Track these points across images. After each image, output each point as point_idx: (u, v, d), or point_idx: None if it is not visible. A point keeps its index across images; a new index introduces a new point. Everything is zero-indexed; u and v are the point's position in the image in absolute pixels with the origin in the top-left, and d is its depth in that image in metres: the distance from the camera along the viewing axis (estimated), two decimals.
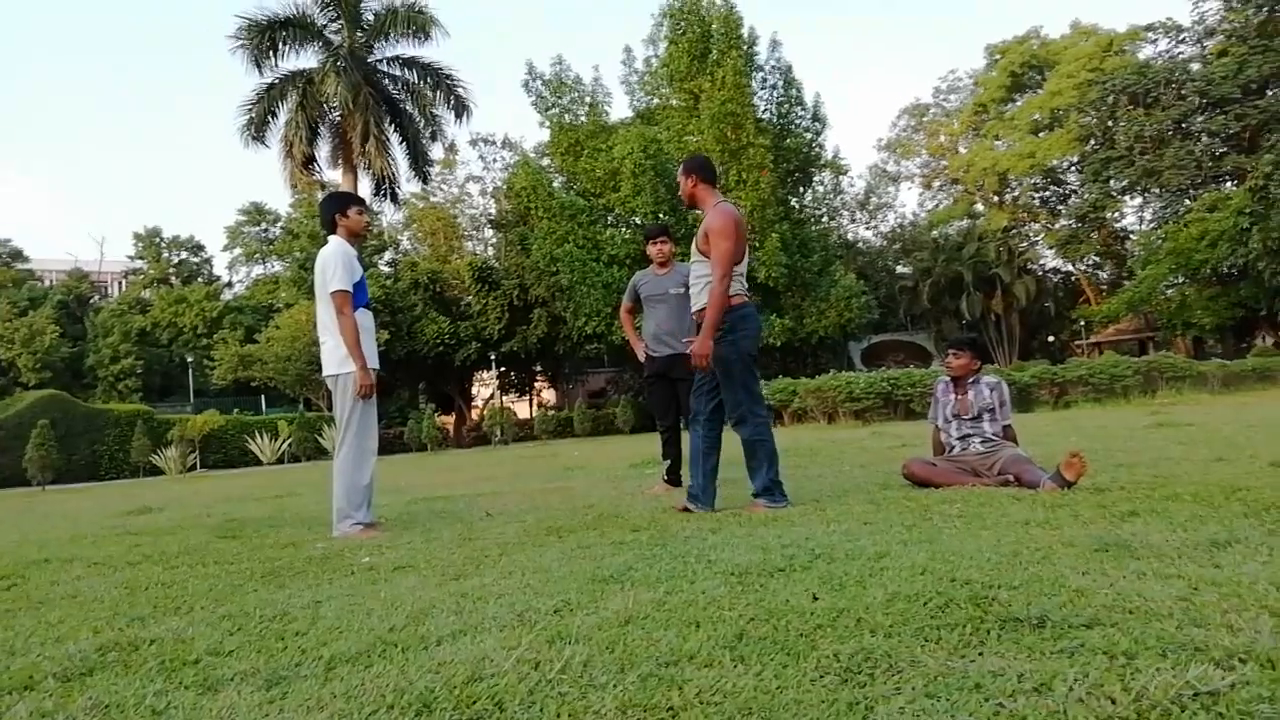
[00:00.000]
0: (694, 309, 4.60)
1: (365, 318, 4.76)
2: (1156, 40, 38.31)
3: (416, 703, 1.67)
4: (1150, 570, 2.34)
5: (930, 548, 2.86)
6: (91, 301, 45.65)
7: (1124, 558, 2.53)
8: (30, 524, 7.56)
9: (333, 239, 4.79)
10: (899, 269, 48.32)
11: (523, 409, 41.82)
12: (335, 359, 4.71)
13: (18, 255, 46.90)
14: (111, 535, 5.55)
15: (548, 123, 31.66)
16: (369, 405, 4.73)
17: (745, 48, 29.67)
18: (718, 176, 4.71)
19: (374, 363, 4.73)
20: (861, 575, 2.50)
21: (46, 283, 47.15)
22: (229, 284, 49.24)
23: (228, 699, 1.81)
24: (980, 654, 1.74)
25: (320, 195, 35.91)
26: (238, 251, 49.54)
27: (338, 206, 4.86)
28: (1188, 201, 34.11)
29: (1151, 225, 38.28)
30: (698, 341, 4.33)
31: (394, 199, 29.23)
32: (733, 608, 2.24)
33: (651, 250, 6.22)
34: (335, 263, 4.62)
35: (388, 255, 40.64)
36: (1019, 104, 45.73)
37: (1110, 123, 36.88)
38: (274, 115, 26.52)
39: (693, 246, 4.53)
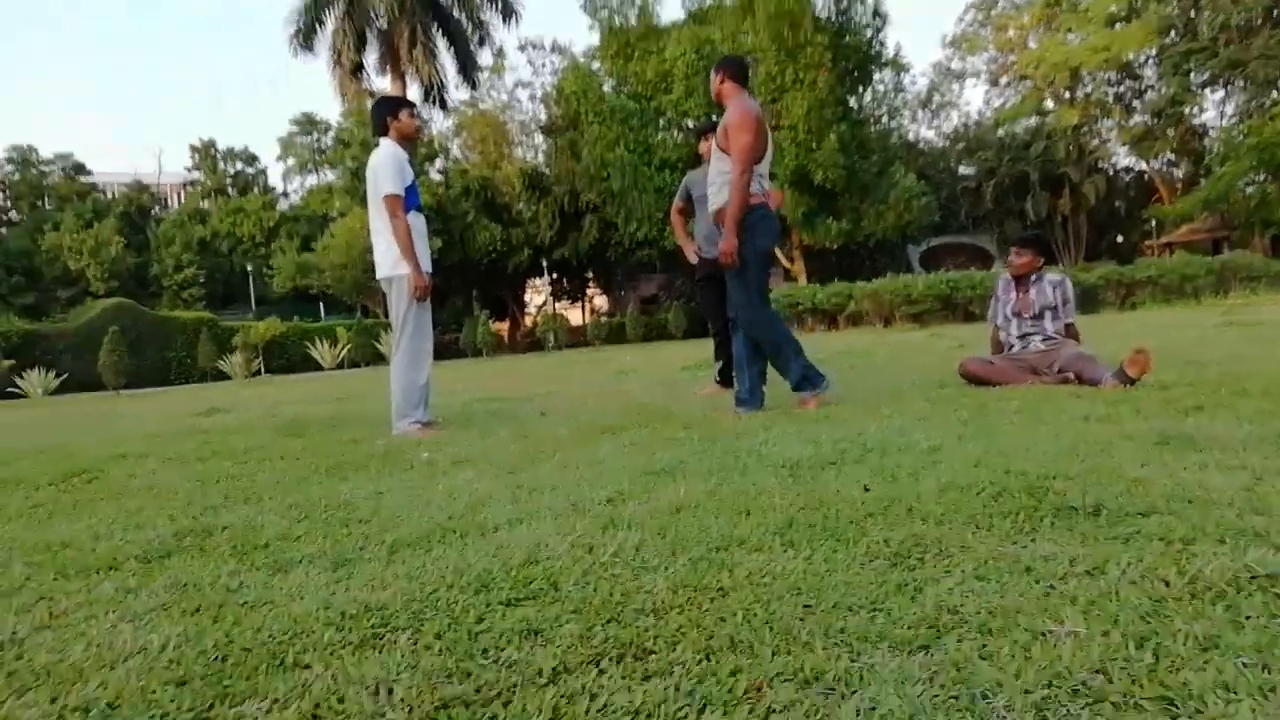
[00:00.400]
0: (712, 207, 4.49)
1: (417, 220, 4.76)
2: None
3: (475, 582, 1.73)
4: (1213, 462, 2.30)
5: (985, 442, 2.84)
6: (153, 212, 46.50)
7: (1186, 450, 2.48)
8: (108, 424, 7.89)
9: (384, 142, 4.78)
10: (961, 169, 46.70)
11: (575, 315, 42.00)
12: (388, 262, 4.74)
13: (80, 169, 47.71)
14: (183, 434, 5.77)
15: (597, 25, 30.84)
16: (423, 307, 4.77)
17: None
18: (748, 79, 4.53)
19: (426, 266, 4.76)
20: (914, 467, 2.49)
21: (109, 195, 48.04)
22: (284, 194, 49.68)
23: (297, 579, 1.89)
24: (1033, 540, 1.74)
25: (370, 103, 35.86)
26: (291, 162, 49.76)
27: (389, 109, 4.83)
28: (1275, 94, 32.23)
29: (1233, 120, 36.30)
30: (724, 239, 4.27)
31: (443, 106, 29.05)
32: (783, 497, 2.26)
33: (703, 148, 6.08)
34: (386, 166, 4.62)
35: (438, 163, 40.48)
36: None
37: (1193, 12, 34.72)
38: (321, 24, 26.31)
39: (713, 143, 4.43)
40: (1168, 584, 1.42)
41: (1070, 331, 4.80)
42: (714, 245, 5.95)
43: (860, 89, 32.77)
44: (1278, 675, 1.09)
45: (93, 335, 23.94)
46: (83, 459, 4.44)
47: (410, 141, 4.88)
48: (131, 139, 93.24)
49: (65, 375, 21.74)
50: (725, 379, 6.04)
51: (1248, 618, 1.27)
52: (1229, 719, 1.00)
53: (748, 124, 4.17)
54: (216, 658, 1.42)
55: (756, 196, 4.27)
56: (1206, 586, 1.39)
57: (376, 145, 4.85)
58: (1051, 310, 4.76)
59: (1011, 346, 4.87)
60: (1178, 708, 1.04)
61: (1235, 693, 1.06)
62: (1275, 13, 31.98)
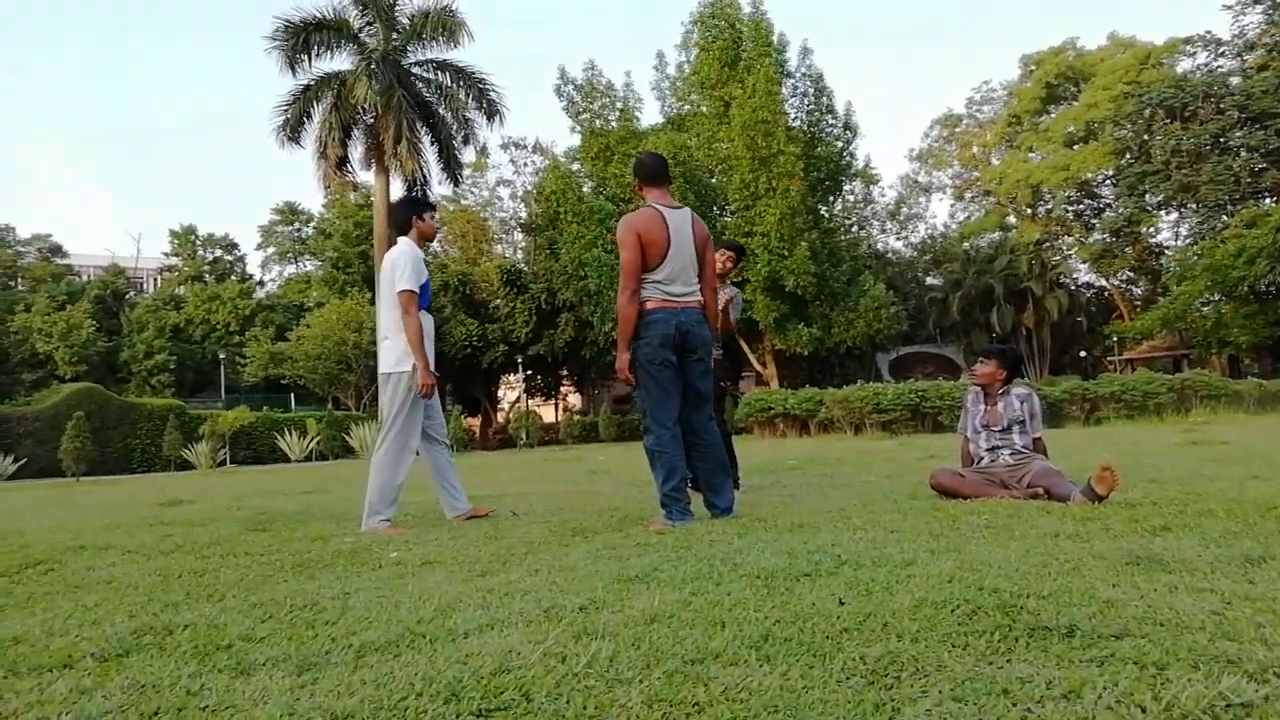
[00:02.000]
0: None
1: (427, 320, 4.87)
2: (1195, 53, 37.78)
3: (445, 691, 1.69)
4: (1183, 584, 2.32)
5: (958, 556, 2.85)
6: (128, 297, 46.42)
7: (1156, 571, 2.50)
8: (66, 513, 7.69)
9: (403, 240, 4.90)
10: (929, 280, 47.96)
11: (548, 413, 41.98)
12: (393, 357, 4.81)
13: (57, 250, 47.78)
14: (145, 525, 5.63)
15: (579, 127, 31.81)
16: (416, 405, 4.81)
17: (776, 55, 29.64)
18: (658, 176, 4.49)
19: (431, 365, 4.83)
20: (888, 581, 2.49)
21: (84, 278, 47.98)
22: (261, 282, 49.87)
23: (260, 682, 1.84)
24: (1008, 660, 1.73)
25: (352, 196, 36.45)
26: (271, 250, 50.21)
27: (414, 210, 5.00)
28: (1225, 218, 33.62)
29: (1188, 241, 37.74)
30: (618, 356, 4.41)
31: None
32: (758, 609, 2.25)
33: (720, 258, 6.23)
34: (405, 263, 4.73)
35: None
36: (1054, 116, 45.32)
37: (1146, 136, 36.46)
38: (309, 116, 26.86)
39: (697, 252, 4.46)
40: (1144, 710, 1.42)
41: (1038, 445, 4.87)
42: None
43: (831, 199, 33.86)
44: None
45: (56, 419, 23.55)
46: (39, 549, 4.33)
47: (428, 242, 5.02)
48: (112, 222, 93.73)
49: (24, 460, 21.25)
50: (696, 484, 6.03)
51: None
52: None
53: (624, 241, 4.25)
54: None
55: (653, 300, 4.26)
56: (1182, 715, 1.40)
57: (395, 243, 4.96)
58: (1020, 424, 4.84)
59: (981, 459, 4.92)
60: None
61: None
62: (1221, 140, 33.60)
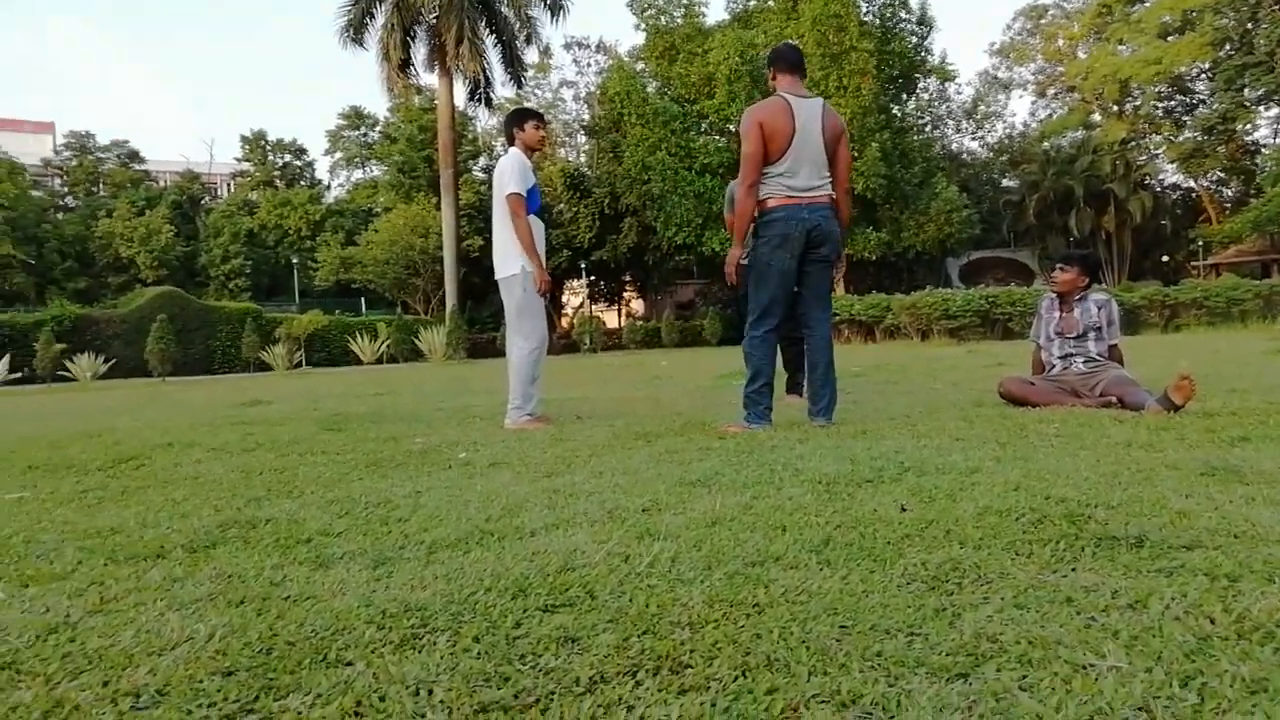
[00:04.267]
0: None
1: (537, 224, 4.99)
2: None
3: (513, 587, 1.75)
4: (1259, 495, 2.26)
5: (1024, 465, 2.81)
6: (203, 202, 47.40)
7: (1231, 482, 2.44)
8: (153, 411, 8.06)
9: (511, 150, 5.06)
10: (1005, 182, 46.21)
11: (611, 318, 42.13)
12: (506, 261, 4.98)
13: (134, 156, 48.76)
14: (227, 424, 5.87)
15: (643, 25, 30.95)
16: (537, 304, 4.99)
17: None
18: (792, 65, 4.23)
19: (544, 264, 4.99)
20: (952, 489, 2.48)
21: (161, 183, 49.04)
22: (329, 187, 50.40)
23: (338, 575, 1.93)
24: (1073, 570, 1.72)
25: (416, 100, 36.27)
26: (338, 155, 50.52)
27: (516, 121, 5.11)
28: None
29: None
30: (729, 252, 4.37)
31: (488, 103, 29.27)
32: (819, 514, 2.26)
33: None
34: (511, 169, 4.89)
35: (481, 161, 40.87)
36: (1148, 4, 42.36)
37: (1250, 25, 34.08)
38: (371, 17, 26.62)
39: (827, 144, 4.24)
40: (1213, 621, 1.40)
41: (1114, 353, 4.73)
42: None
43: (904, 97, 32.64)
44: None
45: (141, 322, 24.46)
46: (130, 446, 4.55)
47: (534, 151, 5.11)
48: (186, 128, 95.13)
49: (113, 361, 22.21)
50: (796, 387, 6.02)
51: None
52: None
53: (745, 133, 4.13)
54: (261, 650, 1.46)
55: (775, 198, 4.14)
56: (1254, 626, 1.37)
57: (505, 153, 5.12)
58: (1096, 331, 4.70)
59: (1053, 367, 4.81)
60: None
61: None
62: None
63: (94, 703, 1.28)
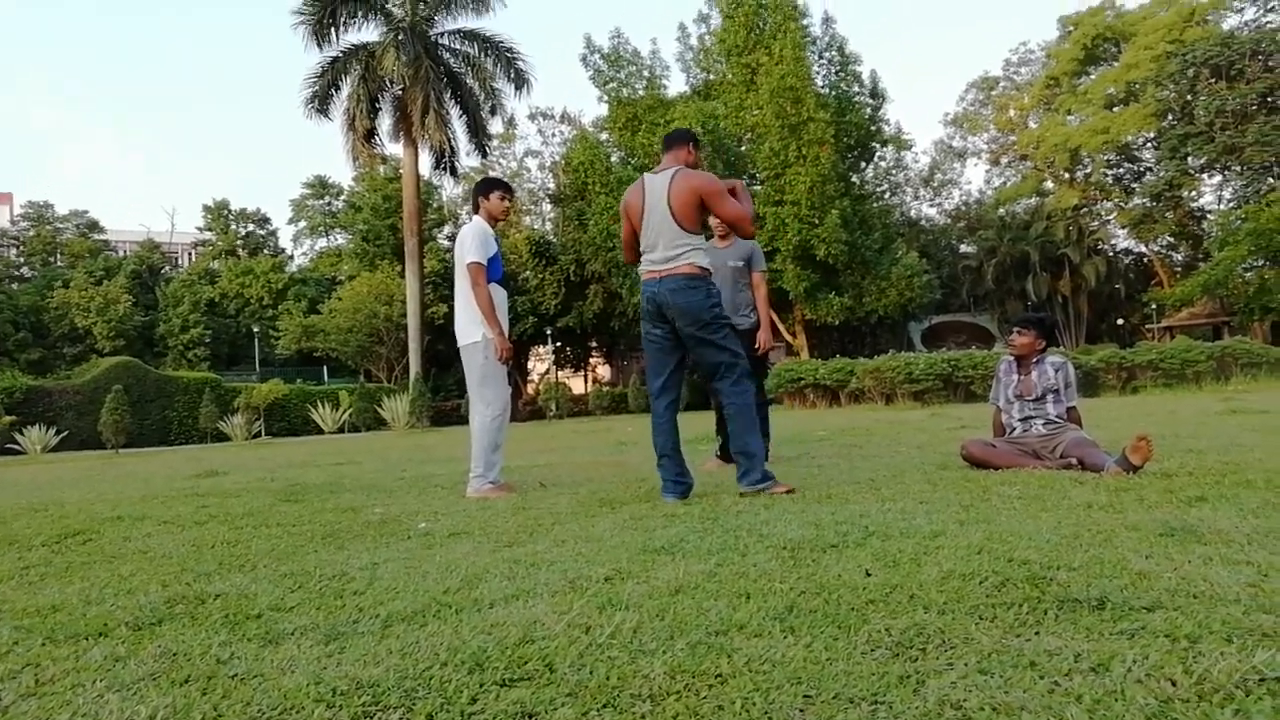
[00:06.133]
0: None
1: (498, 292, 5.03)
2: (1243, 9, 36.70)
3: (470, 660, 1.70)
4: (1217, 555, 2.27)
5: (987, 528, 2.82)
6: (163, 272, 47.01)
7: (1190, 543, 2.46)
8: (104, 484, 7.85)
9: (474, 218, 5.14)
10: (963, 248, 47.26)
11: (578, 384, 42.09)
12: (467, 328, 5.00)
13: (94, 226, 48.41)
14: (180, 496, 5.74)
15: (606, 97, 31.56)
16: (498, 371, 5.00)
17: (800, 20, 29.12)
18: (671, 144, 4.31)
19: (505, 331, 5.02)
20: (916, 553, 2.47)
21: (121, 253, 48.67)
22: (293, 256, 50.30)
23: (288, 651, 1.86)
24: (1036, 633, 1.71)
25: (381, 169, 36.55)
26: (302, 224, 50.58)
27: (482, 190, 5.20)
28: (1271, 180, 32.77)
29: (1231, 205, 36.82)
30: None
31: (453, 173, 29.53)
32: (784, 581, 2.24)
33: (713, 222, 6.16)
34: (472, 238, 4.94)
35: (446, 229, 41.10)
36: (1093, 77, 44.16)
37: (1190, 97, 35.53)
38: (336, 89, 26.92)
39: (675, 214, 4.11)
40: (1174, 684, 1.40)
41: (1072, 415, 4.79)
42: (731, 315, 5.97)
43: (862, 165, 33.43)
44: None
45: (96, 393, 24.00)
46: (77, 520, 4.42)
47: (497, 221, 5.18)
48: (147, 198, 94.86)
49: (66, 433, 21.72)
50: (726, 454, 6.02)
51: None
52: None
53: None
54: None
55: (643, 273, 4.24)
56: (1214, 688, 1.37)
57: (469, 221, 5.20)
58: (1054, 393, 4.76)
59: (1013, 429, 4.86)
60: None
61: None
62: (1269, 99, 32.69)
63: None
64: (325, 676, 1.65)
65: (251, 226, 49.08)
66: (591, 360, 43.04)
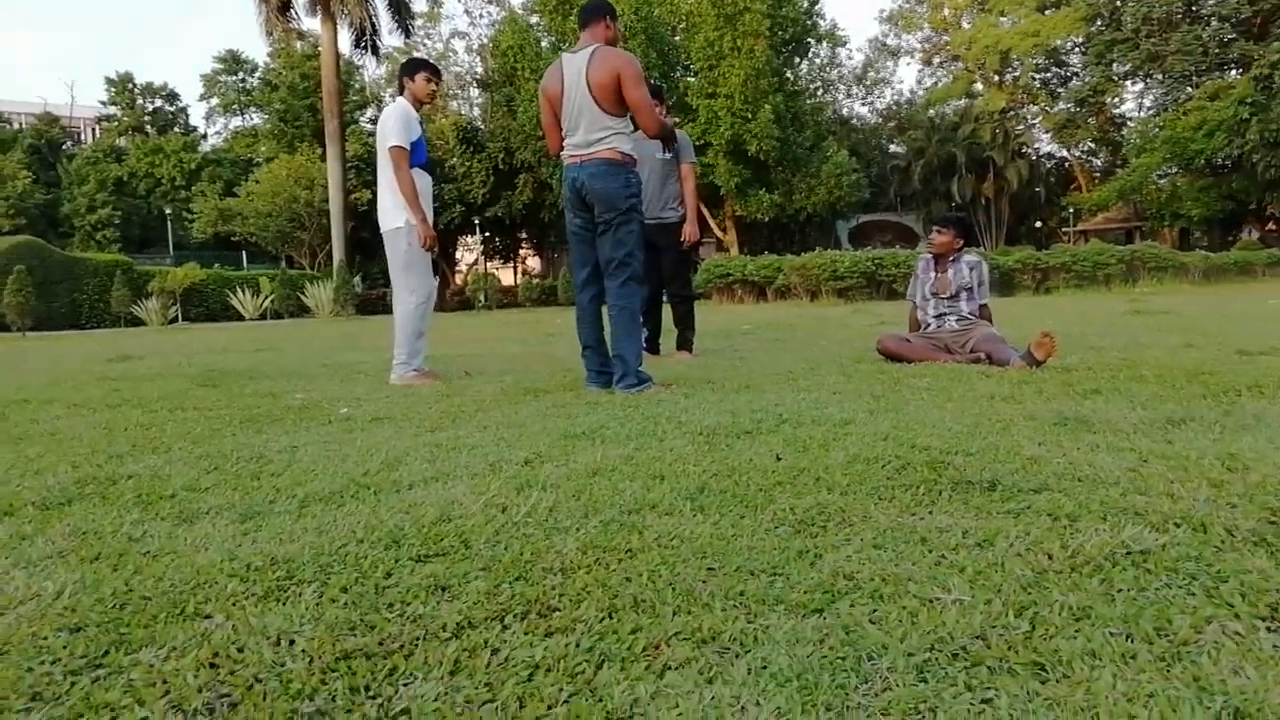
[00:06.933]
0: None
1: (422, 177, 4.88)
2: None
3: (386, 538, 1.73)
4: (1104, 443, 2.42)
5: (895, 416, 2.93)
6: (65, 148, 44.32)
7: (1081, 432, 2.60)
8: (9, 367, 7.57)
9: (398, 99, 4.95)
10: (892, 148, 47.43)
11: (507, 276, 41.64)
12: (390, 214, 4.88)
13: None
14: (92, 380, 5.57)
15: None
16: (421, 258, 4.90)
17: None
18: (584, 20, 4.07)
19: (430, 218, 4.88)
20: (825, 439, 2.57)
21: (16, 126, 45.63)
22: (205, 135, 47.84)
23: (203, 529, 1.87)
24: (930, 512, 1.81)
25: (299, 46, 34.69)
26: (215, 102, 47.92)
27: (407, 71, 5.01)
28: (1189, 89, 33.42)
29: (1150, 112, 37.61)
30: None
31: (375, 52, 28.23)
32: (697, 464, 2.31)
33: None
34: (394, 120, 4.78)
35: (369, 112, 39.50)
36: None
37: (1119, 2, 35.69)
38: None
39: (595, 95, 3.92)
40: (1050, 557, 1.50)
41: (984, 313, 4.96)
42: (658, 208, 5.90)
43: (797, 61, 32.99)
44: (1140, 644, 1.17)
45: None
46: None
47: (421, 104, 4.98)
48: (43, 68, 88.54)
49: None
50: (651, 346, 6.06)
51: (1119, 591, 1.35)
52: (1092, 683, 1.07)
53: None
54: (115, 605, 1.40)
55: (565, 157, 4.11)
56: (1085, 560, 1.48)
57: (393, 101, 5.02)
58: (968, 291, 4.91)
59: (928, 325, 5.01)
60: (1047, 672, 1.11)
61: (1100, 660, 1.13)
62: (1193, 8, 33.06)
63: None
64: (240, 553, 1.66)
65: (159, 102, 46.37)
66: (521, 252, 42.52)
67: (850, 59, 47.22)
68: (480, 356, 6.90)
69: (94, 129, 49.07)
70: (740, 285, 20.54)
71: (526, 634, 1.26)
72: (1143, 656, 1.14)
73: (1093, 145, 44.82)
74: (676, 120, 24.70)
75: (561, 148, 4.14)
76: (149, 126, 44.95)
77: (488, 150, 32.93)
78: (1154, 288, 18.22)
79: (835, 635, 1.21)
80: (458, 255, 40.40)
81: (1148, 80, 37.11)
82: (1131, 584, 1.38)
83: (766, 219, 29.85)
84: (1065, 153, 46.18)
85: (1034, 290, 18.99)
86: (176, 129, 45.46)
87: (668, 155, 5.80)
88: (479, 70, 39.12)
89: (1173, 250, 23.03)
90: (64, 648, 1.24)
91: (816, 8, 31.61)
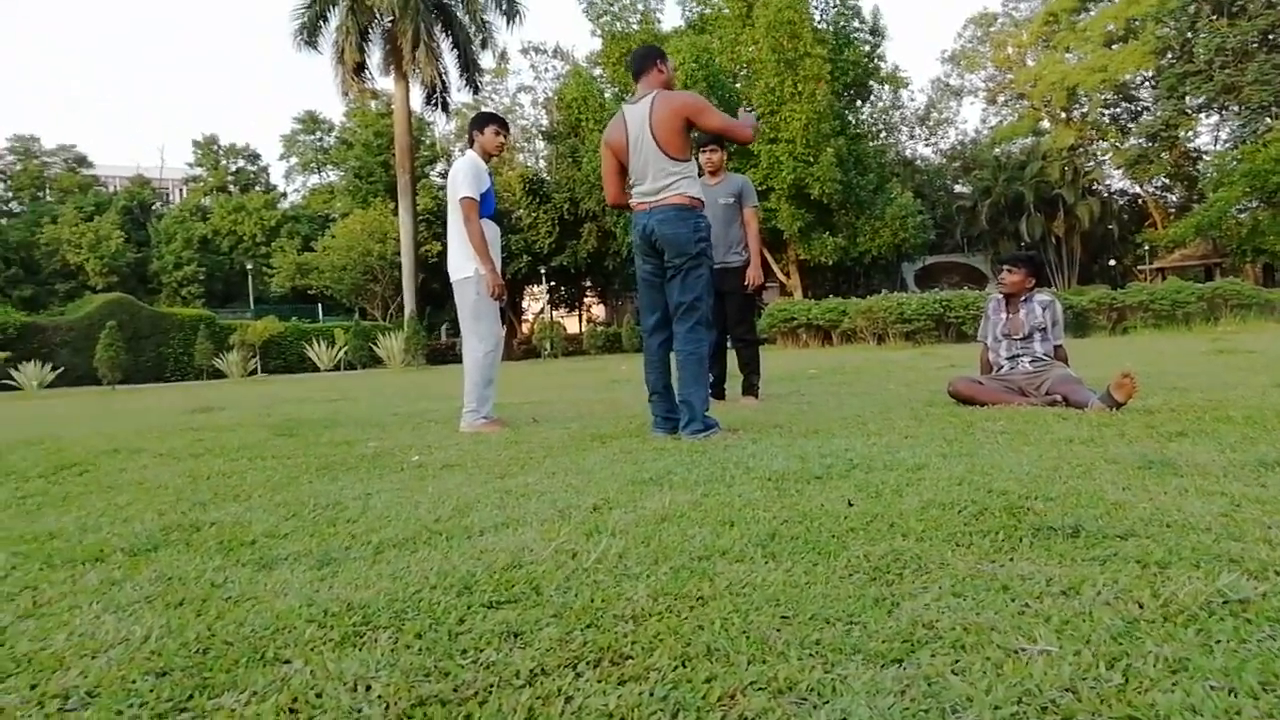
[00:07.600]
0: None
1: (490, 228, 5.00)
2: None
3: (458, 584, 1.74)
4: (1193, 487, 2.32)
5: (969, 461, 2.86)
6: (154, 208, 46.46)
7: (1167, 475, 2.51)
8: (101, 419, 7.88)
9: (468, 153, 5.09)
10: (958, 188, 46.95)
11: (572, 323, 42.06)
12: (460, 264, 4.99)
13: (83, 161, 47.72)
14: (176, 430, 5.77)
15: (599, 31, 30.98)
16: (490, 307, 5.00)
17: None
18: (634, 70, 4.15)
19: (498, 268, 5.00)
20: (898, 484, 2.52)
21: (111, 189, 48.03)
22: (285, 193, 49.70)
23: (281, 576, 1.90)
24: (1010, 559, 1.76)
25: (373, 105, 35.99)
26: (293, 160, 49.85)
27: (477, 125, 5.14)
28: (1268, 120, 32.47)
29: (1227, 145, 36.57)
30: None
31: (445, 108, 29.08)
32: (767, 510, 2.28)
33: (702, 159, 6.10)
34: (465, 173, 4.90)
35: (439, 166, 40.62)
36: (1093, 14, 43.41)
37: (1190, 34, 35.01)
38: (325, 20, 26.34)
39: (660, 142, 3.98)
40: (1141, 606, 1.44)
41: (1059, 353, 4.83)
42: (723, 253, 5.91)
43: (858, 104, 33.04)
44: (1244, 699, 1.11)
45: (90, 329, 23.93)
46: (74, 453, 4.45)
47: (490, 157, 5.12)
48: (135, 133, 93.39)
49: (61, 369, 21.69)
50: (717, 391, 6.04)
51: (1217, 642, 1.29)
52: None
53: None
54: (198, 650, 1.44)
55: (635, 205, 4.17)
56: (1179, 610, 1.41)
57: (462, 155, 5.15)
58: (1041, 331, 4.79)
59: (1001, 367, 4.90)
60: None
61: (1201, 715, 1.08)
62: (1270, 37, 32.22)
63: (20, 706, 1.25)
64: (317, 599, 1.69)
65: (242, 162, 48.40)
66: (586, 300, 42.95)
67: (913, 100, 47.09)
68: (547, 403, 6.96)
69: (181, 189, 51.40)
70: (805, 329, 20.39)
71: (600, 682, 1.25)
72: (1248, 712, 1.08)
73: (1167, 180, 43.68)
74: (736, 167, 24.86)
75: (619, 199, 4.22)
76: (232, 186, 46.89)
77: (553, 201, 33.51)
78: (1237, 326, 17.53)
79: (917, 686, 1.18)
80: (524, 304, 40.98)
81: (1223, 112, 36.19)
82: (1231, 634, 1.31)
83: (830, 262, 29.71)
84: (1138, 189, 45.10)
85: (1110, 330, 18.44)
86: (258, 187, 47.36)
87: (730, 200, 5.84)
88: (544, 123, 40.01)
89: (1256, 287, 22.16)
90: (151, 691, 1.27)
91: (878, 51, 31.65)
